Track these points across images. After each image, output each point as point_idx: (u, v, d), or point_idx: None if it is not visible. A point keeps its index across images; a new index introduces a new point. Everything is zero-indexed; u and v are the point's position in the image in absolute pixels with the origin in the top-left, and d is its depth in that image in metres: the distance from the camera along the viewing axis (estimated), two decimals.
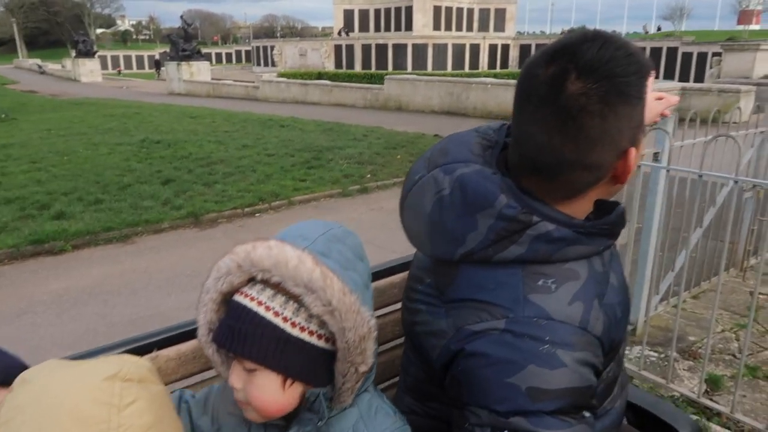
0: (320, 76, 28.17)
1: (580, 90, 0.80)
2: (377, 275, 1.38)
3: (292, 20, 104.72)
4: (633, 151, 0.86)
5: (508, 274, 0.89)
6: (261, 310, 0.85)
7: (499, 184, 0.89)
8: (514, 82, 0.94)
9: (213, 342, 0.92)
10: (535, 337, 0.84)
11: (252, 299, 0.86)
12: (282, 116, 15.15)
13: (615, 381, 1.06)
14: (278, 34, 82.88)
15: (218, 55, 68.23)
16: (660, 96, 1.60)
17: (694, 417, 2.57)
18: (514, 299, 0.87)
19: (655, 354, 3.15)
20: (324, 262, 0.85)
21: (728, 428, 2.53)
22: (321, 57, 36.96)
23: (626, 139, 0.85)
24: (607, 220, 0.93)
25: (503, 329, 0.85)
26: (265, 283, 0.87)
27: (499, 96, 15.67)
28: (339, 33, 40.11)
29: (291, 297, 0.85)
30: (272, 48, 42.06)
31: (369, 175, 8.34)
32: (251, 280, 0.89)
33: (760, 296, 3.85)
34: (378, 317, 1.31)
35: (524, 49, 36.32)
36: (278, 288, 0.85)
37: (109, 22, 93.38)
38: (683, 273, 3.03)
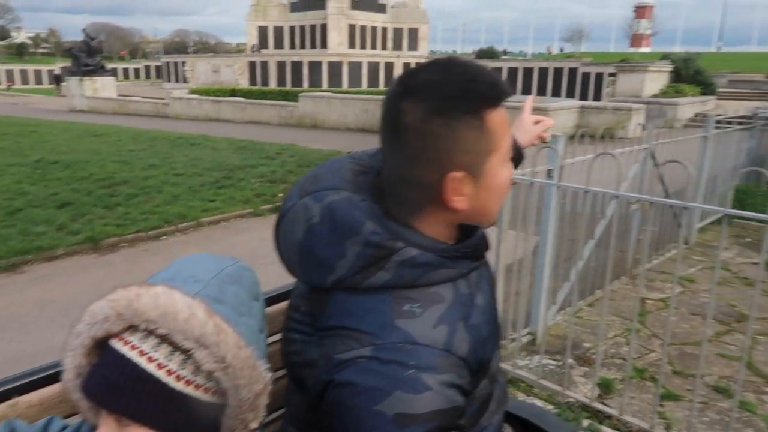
0: (233, 92, 27.62)
1: (406, 109, 0.85)
2: (266, 301, 1.35)
3: (204, 36, 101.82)
4: (455, 175, 0.87)
5: (376, 300, 0.89)
6: (142, 362, 0.76)
7: (365, 211, 0.90)
8: None
9: (83, 392, 0.81)
10: (401, 362, 0.84)
11: (133, 347, 0.77)
12: (193, 134, 14.68)
13: (490, 398, 1.08)
14: (190, 50, 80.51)
15: (125, 71, 65.30)
16: (538, 119, 1.68)
17: (587, 421, 2.70)
18: (381, 325, 0.87)
19: (554, 362, 3.29)
20: (217, 310, 0.79)
21: (618, 430, 2.67)
22: (234, 74, 36.27)
23: (453, 163, 0.86)
24: (469, 243, 0.96)
25: (370, 356, 0.85)
26: (150, 331, 0.77)
27: None
28: (251, 50, 39.59)
29: (178, 348, 0.77)
30: (184, 64, 40.77)
31: (281, 194, 8.21)
32: (132, 326, 0.80)
33: (647, 302, 4.13)
34: (267, 345, 1.28)
35: None
36: (164, 338, 0.77)
37: (2, 33, 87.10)
38: (576, 283, 3.20)
